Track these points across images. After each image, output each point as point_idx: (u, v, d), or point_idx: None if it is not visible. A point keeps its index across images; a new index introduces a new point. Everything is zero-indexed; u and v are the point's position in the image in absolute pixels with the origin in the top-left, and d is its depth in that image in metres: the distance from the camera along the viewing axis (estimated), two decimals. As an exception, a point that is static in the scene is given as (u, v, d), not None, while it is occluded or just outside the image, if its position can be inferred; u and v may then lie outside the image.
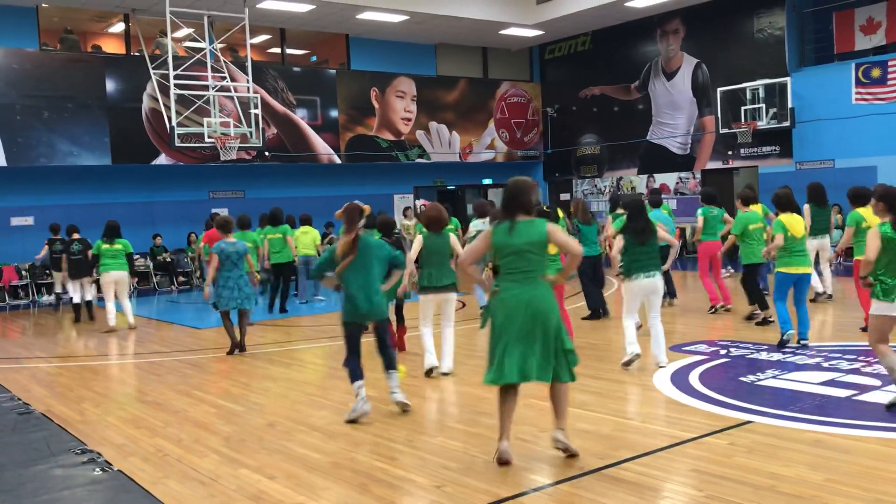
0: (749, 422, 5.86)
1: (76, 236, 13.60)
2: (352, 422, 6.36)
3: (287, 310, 13.54)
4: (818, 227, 11.14)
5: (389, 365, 6.62)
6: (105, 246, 12.46)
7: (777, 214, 8.70)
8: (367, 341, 6.66)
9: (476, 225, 11.48)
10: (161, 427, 6.57)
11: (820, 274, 11.61)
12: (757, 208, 10.67)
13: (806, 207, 11.03)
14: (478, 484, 4.84)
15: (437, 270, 7.91)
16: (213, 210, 18.82)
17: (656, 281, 7.78)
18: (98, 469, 5.45)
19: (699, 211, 11.44)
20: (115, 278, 12.50)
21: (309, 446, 5.81)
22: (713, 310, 11.10)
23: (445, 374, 7.94)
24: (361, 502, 4.66)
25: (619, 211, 12.18)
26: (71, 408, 7.39)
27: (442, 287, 7.93)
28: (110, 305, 12.50)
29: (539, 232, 5.14)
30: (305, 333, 11.10)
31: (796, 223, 8.44)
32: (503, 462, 5.13)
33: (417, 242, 7.97)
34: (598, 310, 11.14)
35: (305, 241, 14.16)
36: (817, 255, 11.26)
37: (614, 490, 4.64)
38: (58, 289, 15.47)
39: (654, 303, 7.93)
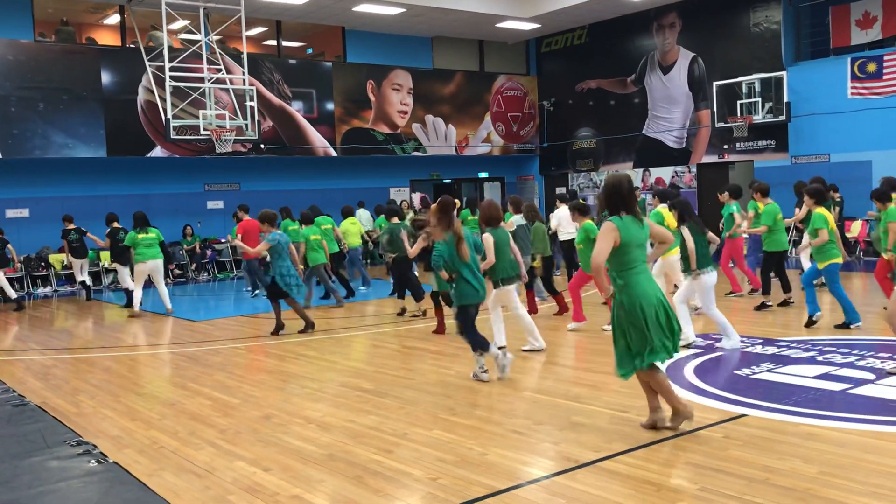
0: (744, 415, 5.89)
1: (116, 225, 14.01)
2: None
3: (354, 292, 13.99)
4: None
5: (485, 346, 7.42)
6: (140, 235, 12.71)
7: (811, 207, 9.28)
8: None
9: (517, 220, 11.61)
10: (156, 419, 6.57)
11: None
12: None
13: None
14: (473, 476, 4.86)
15: (507, 263, 8.32)
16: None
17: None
18: (93, 461, 5.45)
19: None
20: (152, 267, 12.82)
21: (304, 439, 5.81)
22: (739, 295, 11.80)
23: (541, 350, 8.52)
24: (357, 494, 4.67)
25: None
26: (66, 400, 7.39)
27: (513, 278, 8.37)
28: (139, 293, 12.90)
29: (646, 226, 5.50)
30: (300, 326, 11.08)
31: (830, 216, 9.06)
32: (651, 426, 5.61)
33: (489, 240, 8.15)
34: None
35: (354, 231, 14.51)
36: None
37: (609, 482, 4.65)
38: (80, 276, 15.65)
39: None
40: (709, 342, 8.61)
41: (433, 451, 5.40)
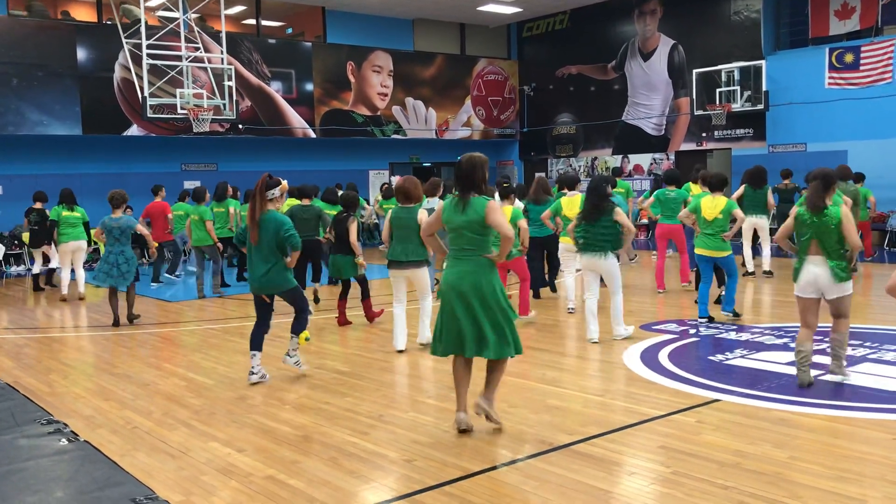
0: (716, 400, 5.95)
1: (39, 205, 13.48)
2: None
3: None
4: (753, 207, 11.97)
5: (294, 330, 7.06)
6: (65, 213, 12.31)
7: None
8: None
9: (425, 203, 11.33)
10: (130, 399, 6.53)
11: (758, 252, 12.65)
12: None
13: (741, 188, 12.11)
14: (448, 458, 4.87)
15: (404, 245, 7.80)
16: (186, 182, 18.64)
17: (600, 261, 7.98)
18: (64, 439, 5.41)
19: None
20: (75, 248, 12.46)
21: (279, 420, 5.80)
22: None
23: (424, 345, 7.89)
24: (332, 476, 4.67)
25: (564, 191, 11.99)
26: (38, 379, 7.32)
27: (408, 263, 7.81)
28: (66, 274, 12.46)
29: (477, 211, 5.14)
30: (277, 308, 11.01)
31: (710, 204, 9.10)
32: (463, 431, 5.32)
33: (388, 216, 7.94)
34: (536, 290, 11.22)
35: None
36: (755, 232, 12.33)
37: (583, 465, 4.68)
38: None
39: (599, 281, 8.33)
40: (683, 328, 8.68)
41: (408, 433, 5.41)
